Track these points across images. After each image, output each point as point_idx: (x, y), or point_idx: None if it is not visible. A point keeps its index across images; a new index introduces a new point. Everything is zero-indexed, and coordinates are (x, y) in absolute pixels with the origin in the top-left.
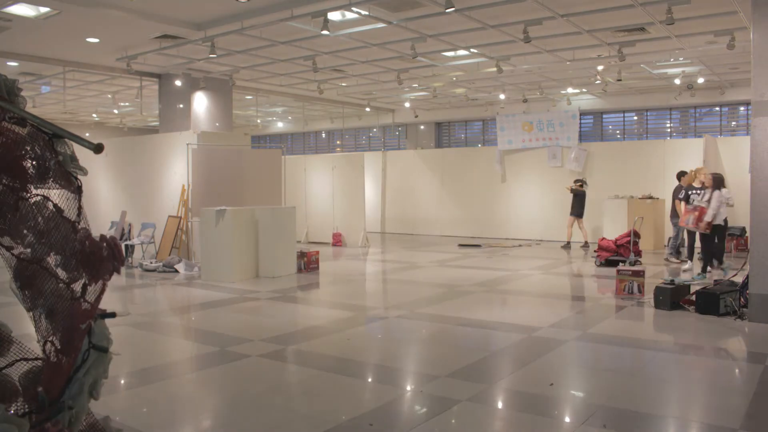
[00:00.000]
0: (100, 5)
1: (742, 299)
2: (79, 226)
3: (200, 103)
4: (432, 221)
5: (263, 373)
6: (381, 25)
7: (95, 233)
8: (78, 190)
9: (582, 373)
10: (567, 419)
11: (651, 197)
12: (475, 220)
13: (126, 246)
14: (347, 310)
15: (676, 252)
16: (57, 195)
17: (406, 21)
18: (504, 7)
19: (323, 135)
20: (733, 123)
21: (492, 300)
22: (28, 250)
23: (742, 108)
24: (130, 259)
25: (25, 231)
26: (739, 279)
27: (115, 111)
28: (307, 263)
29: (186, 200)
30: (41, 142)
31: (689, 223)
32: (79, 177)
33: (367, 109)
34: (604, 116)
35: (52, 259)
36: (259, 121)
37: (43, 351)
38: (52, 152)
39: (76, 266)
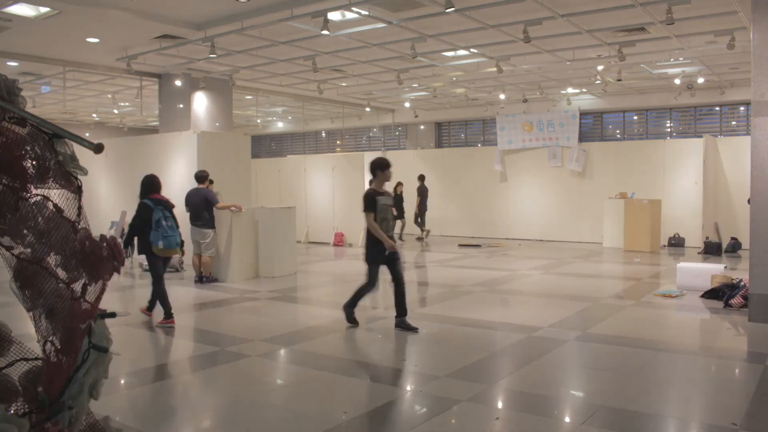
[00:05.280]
0: (100, 5)
1: (740, 298)
2: (79, 226)
3: (200, 103)
4: (432, 221)
5: (263, 373)
6: (381, 25)
7: (95, 233)
8: (78, 190)
9: (582, 373)
10: (567, 419)
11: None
12: (474, 220)
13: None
14: None
15: None
16: (57, 195)
17: (406, 21)
18: (504, 7)
19: (323, 135)
20: (733, 123)
21: (492, 300)
22: (28, 250)
23: (742, 108)
24: (130, 259)
25: (25, 231)
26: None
27: (115, 111)
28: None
29: None
30: (41, 142)
31: None
32: (79, 177)
33: (367, 109)
34: (604, 116)
35: (52, 259)
36: (259, 121)
37: (43, 351)
38: (52, 152)
39: (76, 266)
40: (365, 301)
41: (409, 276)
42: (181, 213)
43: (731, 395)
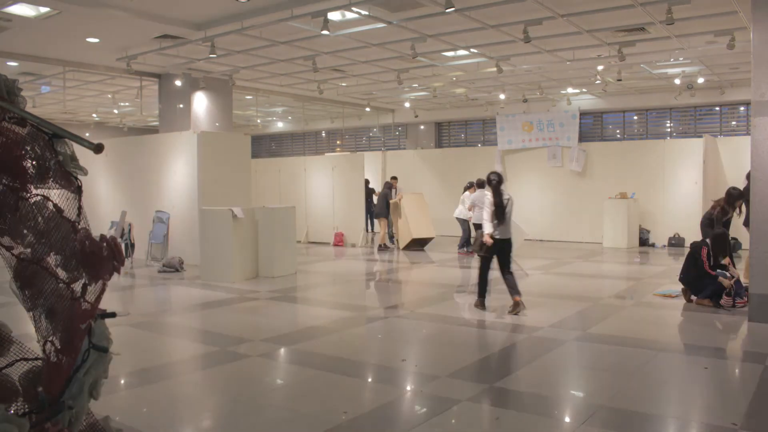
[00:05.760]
0: (100, 5)
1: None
2: (79, 226)
3: (200, 103)
4: (432, 221)
5: (263, 373)
6: (381, 25)
7: (95, 233)
8: (78, 190)
9: (582, 373)
10: (567, 419)
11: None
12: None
13: (126, 245)
14: (347, 310)
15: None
16: (57, 195)
17: (406, 21)
18: (504, 7)
19: (323, 135)
20: (733, 123)
21: (492, 300)
22: (28, 250)
23: (742, 108)
24: (130, 258)
25: (25, 231)
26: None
27: (115, 111)
28: None
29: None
30: (41, 142)
31: None
32: (79, 177)
33: (367, 109)
34: (604, 116)
35: (52, 259)
36: (259, 121)
37: (43, 351)
38: (52, 152)
39: (76, 266)
40: (365, 301)
41: (409, 276)
42: (177, 218)
43: (731, 395)
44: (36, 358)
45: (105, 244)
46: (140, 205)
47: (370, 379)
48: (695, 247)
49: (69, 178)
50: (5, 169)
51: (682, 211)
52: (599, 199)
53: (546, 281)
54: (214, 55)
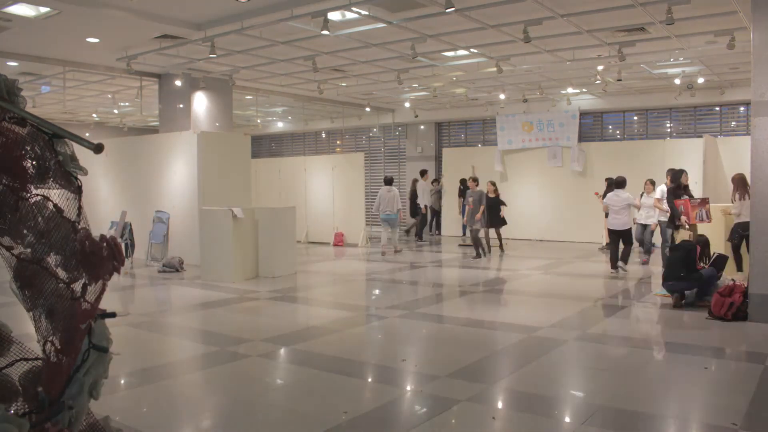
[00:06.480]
0: (100, 5)
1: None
2: (79, 226)
3: (200, 103)
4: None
5: (263, 373)
6: (381, 25)
7: (95, 233)
8: (78, 190)
9: (582, 373)
10: (567, 419)
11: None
12: None
13: (126, 245)
14: (347, 310)
15: None
16: (57, 195)
17: (406, 21)
18: (504, 7)
19: (323, 135)
20: (733, 123)
21: (492, 300)
22: (28, 250)
23: (742, 108)
24: (130, 258)
25: (25, 231)
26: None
27: (115, 111)
28: None
29: None
30: (41, 142)
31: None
32: (79, 177)
33: (367, 109)
34: (604, 116)
35: (52, 259)
36: (259, 121)
37: (43, 351)
38: (52, 152)
39: (76, 266)
40: (365, 301)
41: (409, 276)
42: (177, 218)
43: (731, 395)
44: (36, 358)
45: (105, 244)
46: (140, 205)
47: (370, 379)
48: (688, 247)
49: (69, 178)
50: (5, 169)
51: None
52: (599, 199)
53: (546, 281)
54: (214, 55)
